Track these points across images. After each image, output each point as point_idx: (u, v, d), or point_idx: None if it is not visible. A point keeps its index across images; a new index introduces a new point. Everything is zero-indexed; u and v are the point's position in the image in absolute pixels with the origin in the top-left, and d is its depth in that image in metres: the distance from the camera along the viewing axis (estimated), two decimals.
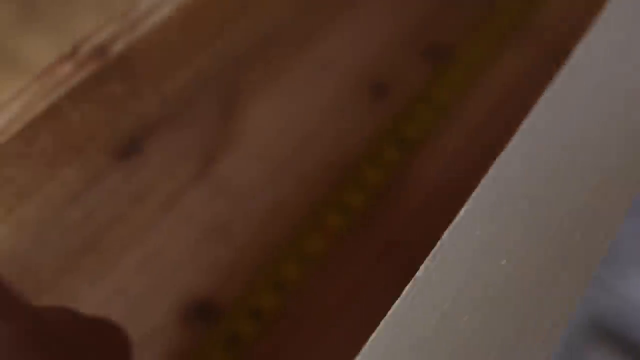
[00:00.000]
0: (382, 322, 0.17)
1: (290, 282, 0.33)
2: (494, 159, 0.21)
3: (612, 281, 1.01)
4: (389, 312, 0.17)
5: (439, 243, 0.18)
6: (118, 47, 0.26)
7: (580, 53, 0.22)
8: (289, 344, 0.32)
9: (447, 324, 0.17)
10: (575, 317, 0.98)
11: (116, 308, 0.33)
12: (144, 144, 0.30)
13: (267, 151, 0.38)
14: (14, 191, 0.25)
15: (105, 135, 0.27)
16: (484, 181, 0.20)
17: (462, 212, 0.19)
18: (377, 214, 0.35)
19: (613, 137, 0.21)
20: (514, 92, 0.39)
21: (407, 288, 0.17)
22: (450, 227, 0.19)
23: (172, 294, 0.33)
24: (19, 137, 0.24)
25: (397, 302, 0.17)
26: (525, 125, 0.20)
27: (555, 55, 0.41)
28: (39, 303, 0.31)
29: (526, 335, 0.17)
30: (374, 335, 0.16)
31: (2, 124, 0.23)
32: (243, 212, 0.36)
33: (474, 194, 0.19)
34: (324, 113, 0.39)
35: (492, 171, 0.20)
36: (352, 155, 0.37)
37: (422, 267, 0.18)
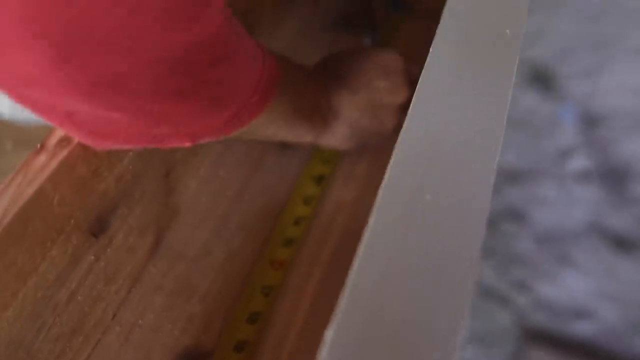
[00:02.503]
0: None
1: (261, 314, 0.37)
2: None
3: (533, 284, 1.11)
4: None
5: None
6: None
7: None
8: None
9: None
10: (507, 327, 1.06)
11: None
12: (110, 220, 0.34)
13: (206, 214, 0.42)
14: (16, 272, 0.27)
15: (79, 215, 0.31)
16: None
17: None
18: (313, 244, 0.41)
19: None
20: None
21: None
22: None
23: (160, 354, 0.36)
24: (16, 220, 0.27)
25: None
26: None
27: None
28: None
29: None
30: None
31: (2, 210, 0.26)
32: (202, 270, 0.39)
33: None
34: (246, 170, 0.44)
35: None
36: (281, 197, 0.43)
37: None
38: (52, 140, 0.30)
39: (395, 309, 0.23)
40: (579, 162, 1.32)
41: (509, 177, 1.27)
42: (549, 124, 1.40)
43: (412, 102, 0.29)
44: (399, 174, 0.27)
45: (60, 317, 0.32)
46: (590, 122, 1.41)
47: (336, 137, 0.41)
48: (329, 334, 0.21)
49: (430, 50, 0.32)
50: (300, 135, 0.39)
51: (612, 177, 1.30)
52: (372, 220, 0.25)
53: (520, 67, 1.58)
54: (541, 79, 1.51)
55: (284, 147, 0.46)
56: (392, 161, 0.27)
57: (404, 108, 0.44)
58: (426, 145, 0.28)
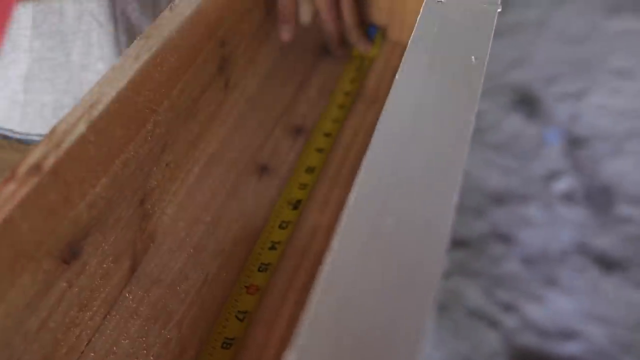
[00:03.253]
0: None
1: (236, 339, 0.37)
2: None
3: (520, 305, 1.11)
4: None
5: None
6: (49, 162, 0.30)
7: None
8: None
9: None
10: (495, 348, 1.05)
11: None
12: (82, 247, 0.34)
13: (183, 240, 0.42)
14: None
15: (50, 242, 0.31)
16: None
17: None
18: (288, 268, 0.41)
19: None
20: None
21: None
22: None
23: None
24: None
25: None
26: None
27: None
28: None
29: None
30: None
31: None
32: (178, 295, 0.40)
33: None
34: (223, 196, 0.45)
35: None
36: (257, 222, 0.43)
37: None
38: (22, 168, 0.30)
39: (355, 332, 0.23)
40: (565, 183, 1.34)
41: (494, 199, 1.28)
42: (534, 146, 1.42)
43: (376, 125, 0.30)
44: (362, 197, 0.27)
45: (31, 346, 0.32)
46: (575, 143, 1.42)
47: None
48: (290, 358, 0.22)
49: (397, 75, 0.33)
50: None
51: (598, 197, 1.31)
52: (335, 243, 0.25)
53: (505, 90, 1.59)
54: (526, 102, 1.53)
55: (262, 172, 0.47)
56: (355, 184, 0.28)
57: None
58: (390, 168, 0.28)
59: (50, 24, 0.48)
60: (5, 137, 0.54)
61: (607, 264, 1.20)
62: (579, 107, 1.54)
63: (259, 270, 0.40)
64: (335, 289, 0.24)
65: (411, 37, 0.37)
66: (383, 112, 0.31)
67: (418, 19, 0.38)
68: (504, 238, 1.23)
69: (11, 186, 0.29)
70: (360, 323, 0.23)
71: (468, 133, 0.31)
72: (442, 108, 0.32)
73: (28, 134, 0.54)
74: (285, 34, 0.54)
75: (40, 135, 0.54)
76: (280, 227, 0.42)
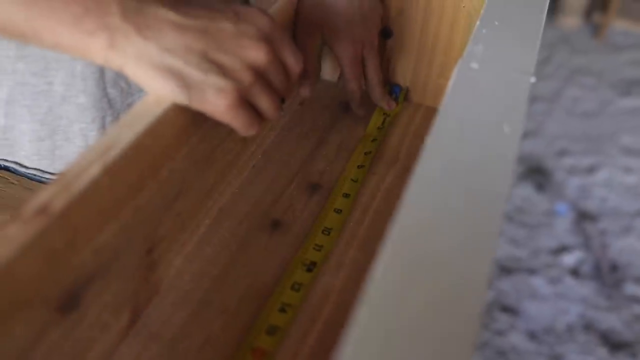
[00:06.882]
0: None
1: None
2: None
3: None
4: None
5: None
6: (58, 204, 0.28)
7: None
8: None
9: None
10: None
11: None
12: (81, 296, 0.32)
13: (188, 294, 0.40)
14: None
15: (48, 289, 0.29)
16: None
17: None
18: (296, 333, 0.38)
19: None
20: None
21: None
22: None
23: None
24: None
25: None
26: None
27: (404, 172, 0.50)
28: None
29: None
30: None
31: None
32: (178, 353, 0.37)
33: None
34: (233, 250, 0.43)
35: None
36: (267, 280, 0.41)
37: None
38: (29, 209, 0.28)
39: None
40: (573, 258, 1.31)
41: (502, 269, 1.25)
42: (543, 218, 1.40)
43: (405, 194, 0.28)
44: (390, 262, 0.25)
45: None
46: (584, 218, 1.40)
47: (133, 60, 0.33)
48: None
49: (427, 140, 0.32)
50: (55, 38, 0.33)
51: (606, 275, 1.28)
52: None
53: (516, 161, 1.58)
54: (536, 174, 1.52)
55: (274, 228, 0.45)
56: (382, 252, 0.26)
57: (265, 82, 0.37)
58: (417, 241, 0.26)
59: (34, 47, 0.45)
60: None
61: (613, 343, 1.16)
62: (589, 182, 1.52)
63: (267, 333, 0.38)
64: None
65: (442, 102, 0.35)
66: (413, 178, 0.29)
67: (450, 84, 0.37)
68: (511, 310, 1.19)
69: (14, 228, 0.27)
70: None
71: (501, 208, 0.29)
72: (473, 180, 0.30)
73: (6, 160, 0.51)
74: (305, 89, 0.53)
75: (16, 162, 0.51)
76: (292, 288, 0.40)
